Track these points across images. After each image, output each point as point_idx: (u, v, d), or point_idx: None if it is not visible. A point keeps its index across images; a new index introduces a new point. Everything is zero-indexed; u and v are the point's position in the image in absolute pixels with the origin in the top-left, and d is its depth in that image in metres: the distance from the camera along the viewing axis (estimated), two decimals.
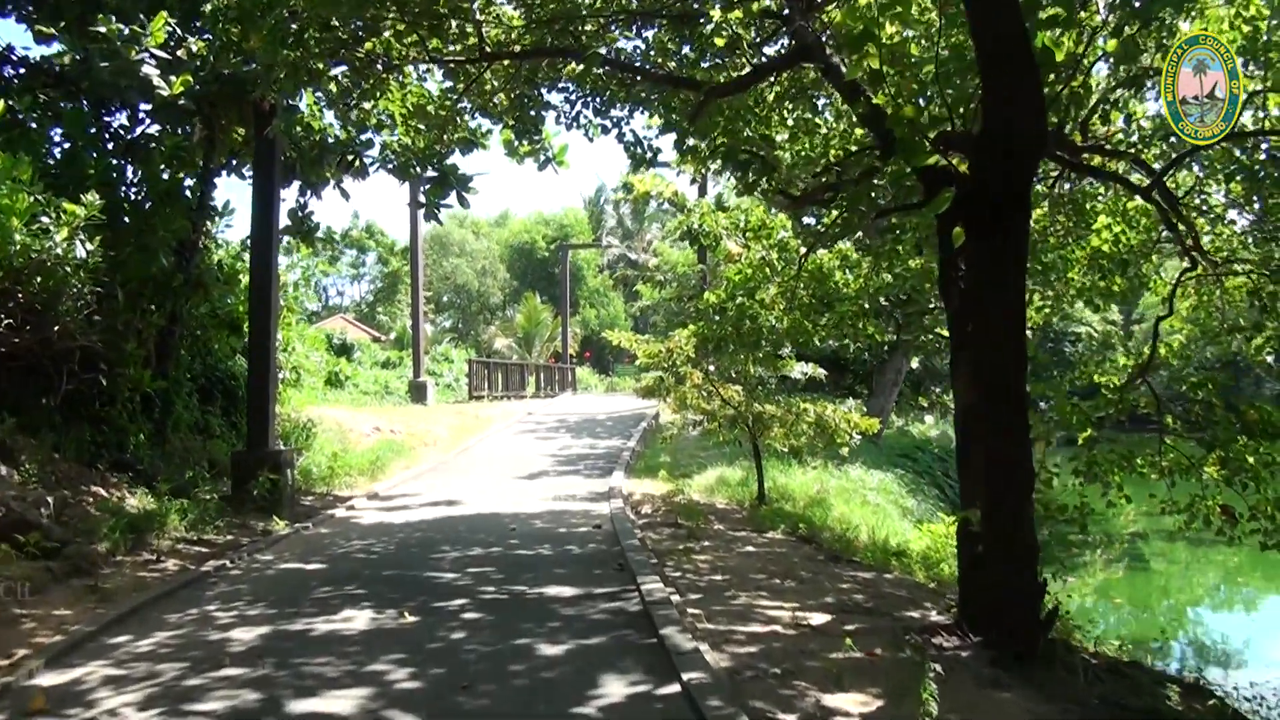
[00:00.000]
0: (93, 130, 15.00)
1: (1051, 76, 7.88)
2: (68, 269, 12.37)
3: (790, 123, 13.29)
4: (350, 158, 16.26)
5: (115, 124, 15.80)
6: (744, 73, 11.69)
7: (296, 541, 13.03)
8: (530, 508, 15.75)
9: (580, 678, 6.76)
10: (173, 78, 13.90)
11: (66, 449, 13.33)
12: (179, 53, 14.28)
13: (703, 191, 31.38)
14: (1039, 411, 10.97)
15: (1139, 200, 13.72)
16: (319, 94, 14.69)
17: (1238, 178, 11.98)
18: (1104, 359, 46.10)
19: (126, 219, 14.54)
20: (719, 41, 11.54)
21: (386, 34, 11.94)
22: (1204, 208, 13.15)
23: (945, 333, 26.02)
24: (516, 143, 15.43)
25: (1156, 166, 11.52)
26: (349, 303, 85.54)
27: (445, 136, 14.42)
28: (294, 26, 10.69)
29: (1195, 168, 12.74)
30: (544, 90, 13.83)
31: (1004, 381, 7.09)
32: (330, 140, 16.25)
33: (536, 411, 34.65)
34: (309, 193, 17.63)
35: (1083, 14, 9.48)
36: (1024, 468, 7.26)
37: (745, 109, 12.64)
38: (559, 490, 17.91)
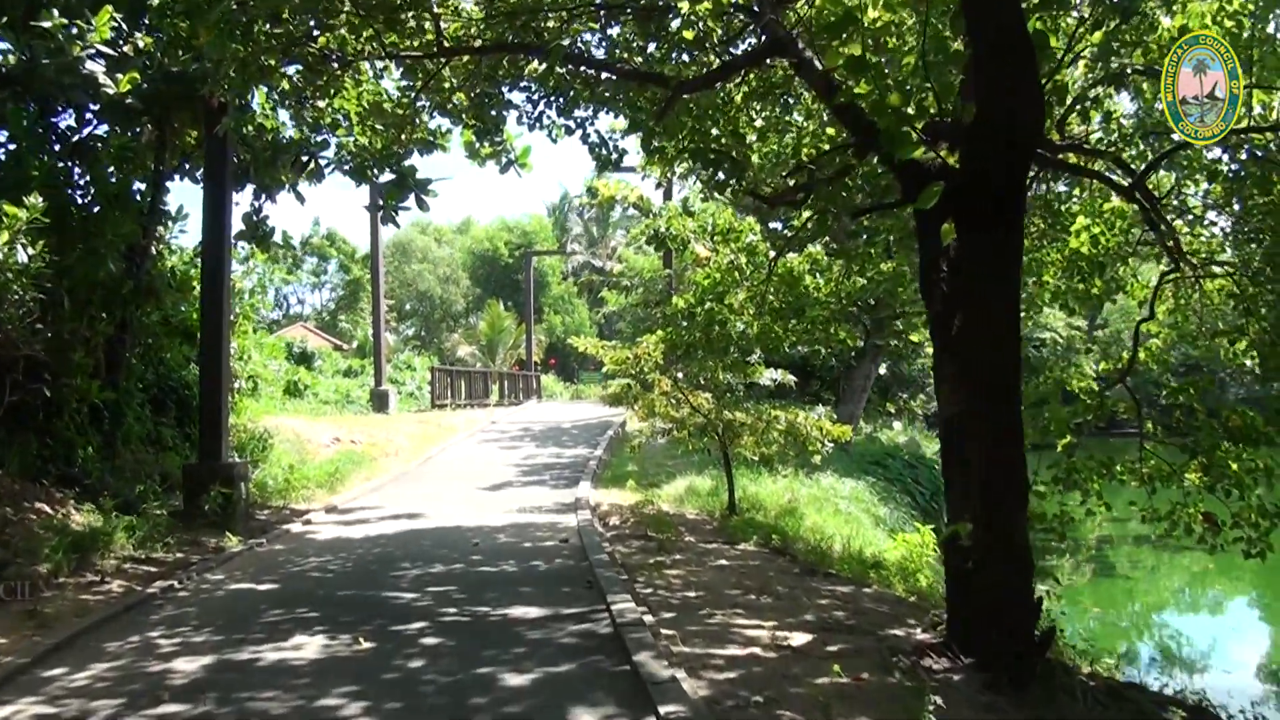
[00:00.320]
0: (39, 131, 14.39)
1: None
2: (9, 274, 11.78)
3: (759, 123, 12.89)
4: (305, 159, 15.71)
5: (63, 125, 15.22)
6: (714, 68, 11.27)
7: (249, 559, 12.46)
8: (494, 520, 15.24)
9: (548, 713, 6.27)
10: (119, 75, 13.33)
11: (10, 463, 12.74)
12: (125, 49, 13.71)
13: (668, 196, 30.97)
14: None
15: (1116, 201, 13.52)
16: (272, 93, 14.14)
17: (1219, 178, 11.75)
18: (1069, 364, 46.13)
19: (73, 222, 13.95)
20: (687, 35, 11.10)
21: (340, 29, 11.44)
22: (1182, 210, 12.90)
23: (915, 338, 25.85)
24: (478, 144, 15.04)
25: (1134, 167, 11.23)
26: (310, 311, 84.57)
27: (403, 137, 13.92)
28: (243, 19, 10.16)
29: (1173, 171, 12.50)
30: (505, 89, 13.37)
31: (1002, 382, 6.67)
32: (284, 140, 15.69)
33: (501, 420, 34.09)
34: (264, 196, 17.10)
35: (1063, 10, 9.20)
36: (1020, 475, 6.85)
37: (713, 108, 12.23)
38: (524, 502, 17.41)
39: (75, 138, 15.05)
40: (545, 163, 64.20)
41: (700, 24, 11.26)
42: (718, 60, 11.56)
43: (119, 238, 14.45)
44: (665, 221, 17.05)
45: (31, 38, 12.88)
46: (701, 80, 11.07)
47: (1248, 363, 14.35)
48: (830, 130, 12.86)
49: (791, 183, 11.87)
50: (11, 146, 14.25)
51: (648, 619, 8.48)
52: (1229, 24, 10.64)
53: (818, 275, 15.74)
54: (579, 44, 12.38)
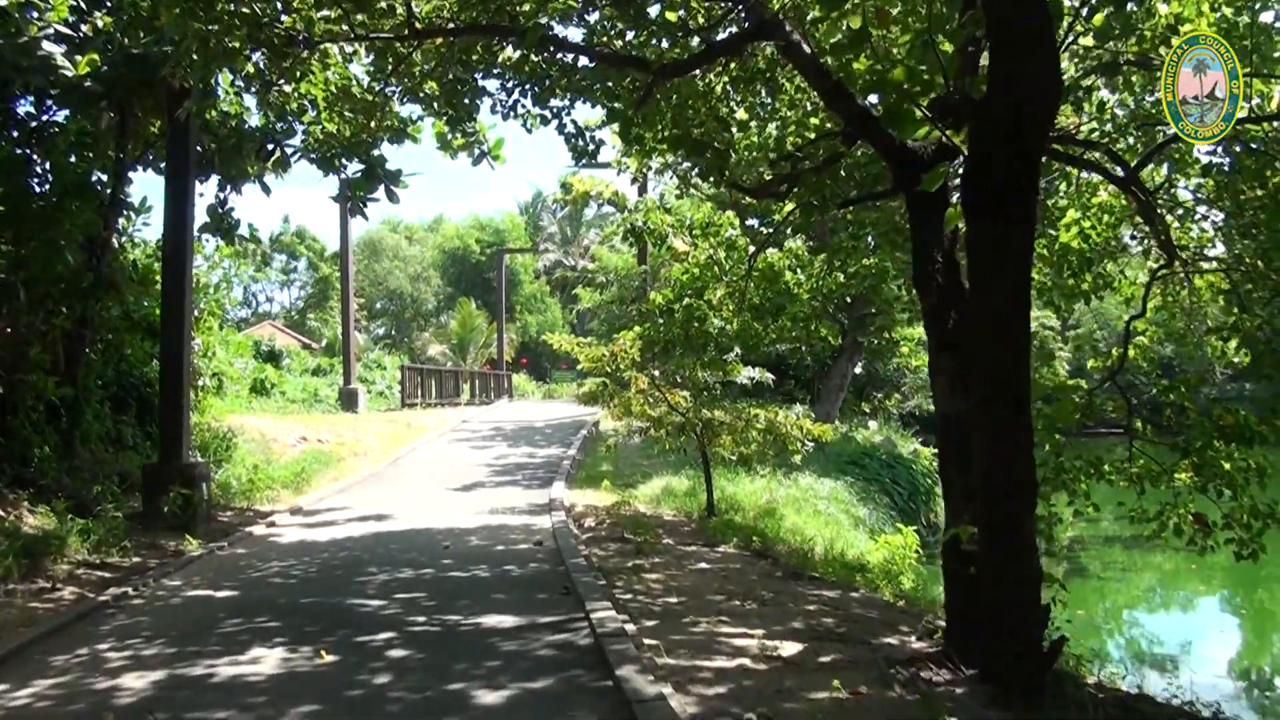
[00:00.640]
0: None
1: None
2: None
3: (741, 113, 12.47)
4: (271, 147, 15.15)
5: (20, 110, 14.63)
6: (697, 52, 10.82)
7: (209, 563, 11.93)
8: (466, 522, 14.74)
9: None
10: (78, 58, 12.80)
11: None
12: (84, 30, 13.15)
13: (643, 191, 30.47)
14: None
15: (1104, 195, 13.22)
16: (236, 77, 13.59)
17: (1214, 172, 11.46)
18: (1041, 364, 45.97)
19: (31, 212, 13.42)
20: (670, 17, 10.64)
21: (308, 9, 10.92)
22: (1172, 205, 12.62)
23: (893, 335, 25.51)
24: (450, 135, 14.55)
25: (1127, 159, 10.91)
26: (279, 309, 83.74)
27: (372, 124, 13.40)
28: None
29: (1164, 166, 12.24)
30: (479, 76, 12.89)
31: (1007, 378, 6.24)
32: (249, 128, 15.14)
33: (472, 419, 33.54)
34: (228, 187, 16.52)
35: None
36: (1028, 478, 6.43)
37: (694, 96, 11.81)
38: (496, 503, 16.91)
39: (33, 123, 14.55)
40: (518, 160, 63.82)
41: (683, 6, 10.82)
42: (701, 45, 11.11)
43: (78, 228, 14.01)
44: (643, 216, 16.61)
45: None
46: (684, 64, 10.62)
47: (1235, 360, 14.14)
48: (815, 120, 12.50)
49: (775, 174, 11.48)
50: None
51: (629, 628, 8.00)
52: (1227, 10, 10.38)
53: (798, 271, 15.35)
54: (556, 29, 11.92)
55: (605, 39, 11.86)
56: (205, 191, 16.20)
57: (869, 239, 14.45)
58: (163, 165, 15.43)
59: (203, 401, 20.35)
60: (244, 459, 18.89)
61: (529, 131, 13.26)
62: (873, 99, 9.03)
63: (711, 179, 11.59)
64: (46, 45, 12.59)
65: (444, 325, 70.18)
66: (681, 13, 10.90)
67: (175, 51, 10.44)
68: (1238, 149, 10.96)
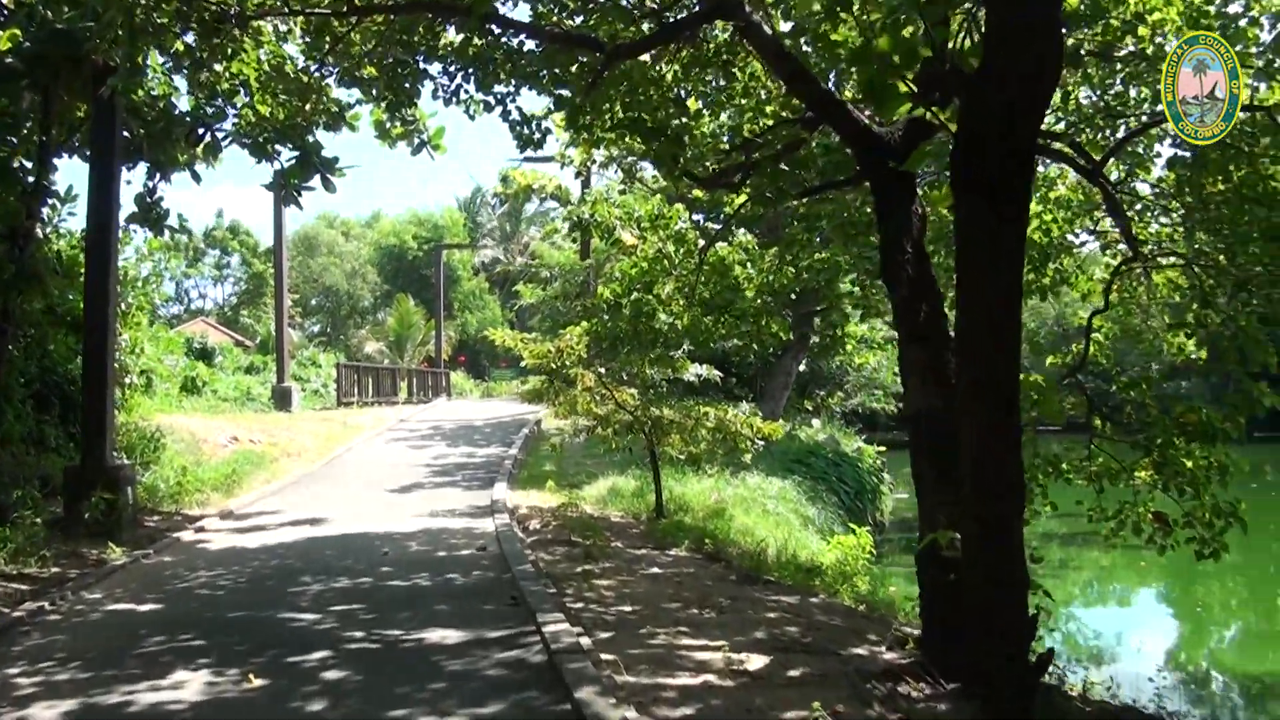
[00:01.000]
0: None
1: None
2: None
3: (692, 102, 11.99)
4: (201, 131, 14.39)
5: None
6: (652, 33, 10.32)
7: (133, 573, 11.22)
8: (405, 526, 14.12)
9: None
10: None
11: None
12: (5, 3, 12.36)
13: (587, 186, 29.92)
14: None
15: (1061, 190, 13.00)
16: (165, 57, 12.87)
17: (1178, 164, 11.23)
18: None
19: None
20: None
21: None
22: (1132, 199, 12.43)
23: (844, 332, 25.21)
24: (388, 123, 13.99)
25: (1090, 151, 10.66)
26: (212, 306, 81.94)
27: (307, 107, 12.75)
28: None
29: (1124, 161, 12.04)
30: (420, 59, 12.30)
31: (999, 378, 5.81)
32: (177, 112, 14.37)
33: (410, 418, 32.80)
34: (157, 175, 15.71)
35: None
36: (1018, 479, 6.01)
37: (645, 82, 11.32)
38: (436, 505, 16.30)
39: None
40: (459, 153, 63.03)
41: None
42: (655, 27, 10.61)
43: None
44: (589, 207, 16.09)
45: None
46: (638, 45, 10.12)
47: (1193, 356, 13.97)
48: (770, 108, 12.08)
49: (730, 163, 11.02)
50: None
51: (584, 642, 7.45)
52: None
53: (749, 265, 14.91)
54: (503, 8, 11.38)
55: (555, 20, 11.33)
56: (133, 179, 15.45)
57: (821, 232, 14.11)
58: (88, 153, 14.67)
59: (130, 400, 19.51)
60: (172, 460, 18.12)
61: (472, 118, 12.73)
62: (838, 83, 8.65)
63: (664, 169, 11.08)
64: None
65: (381, 322, 69.09)
66: None
67: (99, 26, 9.78)
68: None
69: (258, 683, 6.77)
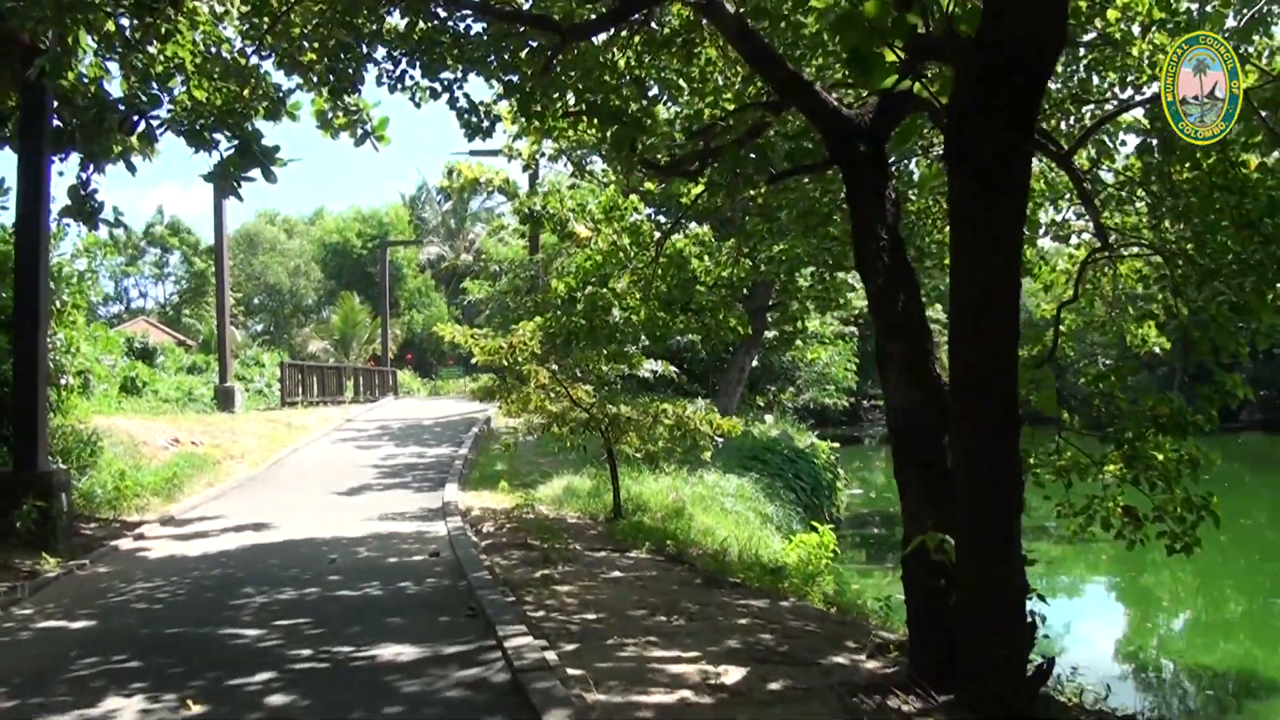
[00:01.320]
0: None
1: None
2: None
3: (650, 86, 11.58)
4: (135, 118, 13.69)
5: None
6: (609, 11, 9.86)
7: (67, 586, 10.59)
8: (353, 531, 13.56)
9: None
10: None
11: None
12: None
13: (535, 179, 29.44)
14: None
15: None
16: (95, 37, 12.20)
17: (1146, 153, 11.00)
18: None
19: None
20: None
21: None
22: (1098, 188, 12.21)
23: (804, 326, 24.88)
24: (330, 113, 13.46)
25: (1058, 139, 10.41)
26: (153, 305, 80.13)
27: (245, 92, 12.14)
28: None
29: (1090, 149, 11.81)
30: (363, 46, 11.77)
31: (996, 369, 5.40)
32: (111, 98, 13.66)
33: (356, 418, 32.10)
34: (91, 167, 14.96)
35: None
36: (1016, 477, 5.62)
37: (600, 67, 10.87)
38: (386, 507, 15.74)
39: None
40: (403, 147, 62.04)
41: None
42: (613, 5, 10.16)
43: None
44: (541, 200, 15.61)
45: None
46: (595, 24, 9.67)
47: (1157, 349, 13.80)
48: (728, 95, 11.69)
49: (689, 150, 10.61)
50: None
51: (550, 656, 6.96)
52: None
53: (706, 258, 14.51)
54: None
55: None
56: (66, 171, 14.71)
57: (780, 224, 13.74)
58: (18, 141, 13.95)
59: (66, 402, 18.68)
60: (110, 464, 17.36)
61: (418, 106, 12.24)
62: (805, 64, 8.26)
63: (620, 155, 10.63)
64: None
65: (325, 320, 67.99)
66: None
67: (26, 3, 9.17)
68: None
69: (196, 710, 6.19)
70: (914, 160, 13.54)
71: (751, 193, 12.49)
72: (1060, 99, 11.04)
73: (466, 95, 11.79)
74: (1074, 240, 13.95)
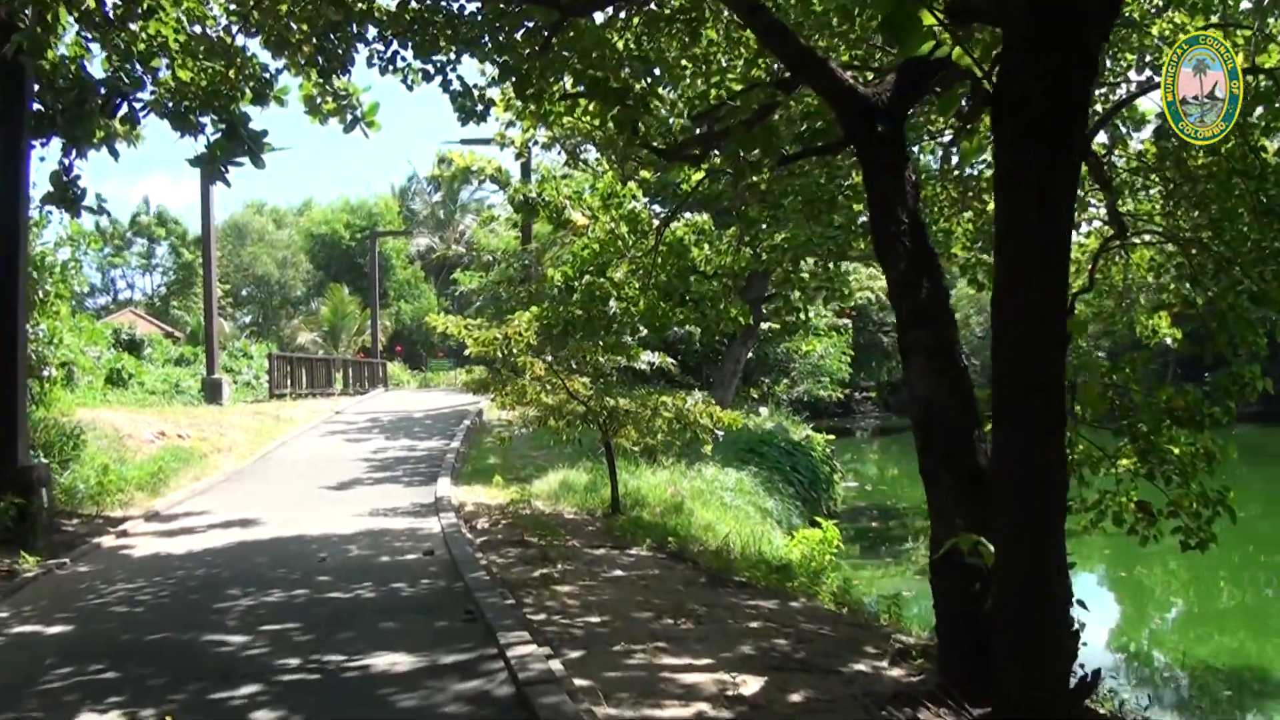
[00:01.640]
0: None
1: None
2: None
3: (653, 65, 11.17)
4: (118, 100, 13.24)
5: None
6: None
7: (45, 587, 10.14)
8: (343, 527, 13.12)
9: None
10: None
11: None
12: None
13: (526, 168, 28.91)
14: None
15: None
16: (75, 14, 11.78)
17: (1165, 138, 10.70)
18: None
19: None
20: None
21: None
22: (1110, 176, 11.89)
23: (806, 316, 24.50)
24: (319, 99, 13.08)
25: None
26: (141, 296, 79.42)
27: (231, 73, 11.72)
28: None
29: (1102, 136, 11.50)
30: (353, 27, 11.37)
31: (1045, 357, 5.00)
32: (92, 79, 13.21)
33: (346, 410, 31.65)
34: (73, 152, 14.51)
35: None
36: (1062, 475, 5.23)
37: (600, 46, 10.46)
38: (377, 503, 15.31)
39: None
40: (393, 136, 61.68)
41: None
42: None
43: None
44: (537, 186, 15.17)
45: None
46: (596, 0, 9.26)
47: (1166, 338, 13.47)
48: (732, 76, 11.31)
49: (694, 133, 10.21)
50: None
51: (555, 666, 6.53)
52: None
53: (706, 246, 14.11)
54: None
55: None
56: (47, 157, 14.26)
57: (784, 210, 13.36)
58: None
59: (49, 394, 18.26)
60: (94, 458, 16.90)
61: (410, 88, 11.84)
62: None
63: (624, 139, 10.22)
64: None
65: (314, 312, 67.39)
66: None
67: None
68: None
69: None
70: (917, 147, 13.22)
71: (755, 178, 12.14)
72: None
73: (460, 78, 11.42)
74: (1084, 229, 13.60)
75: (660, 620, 8.18)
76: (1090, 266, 11.41)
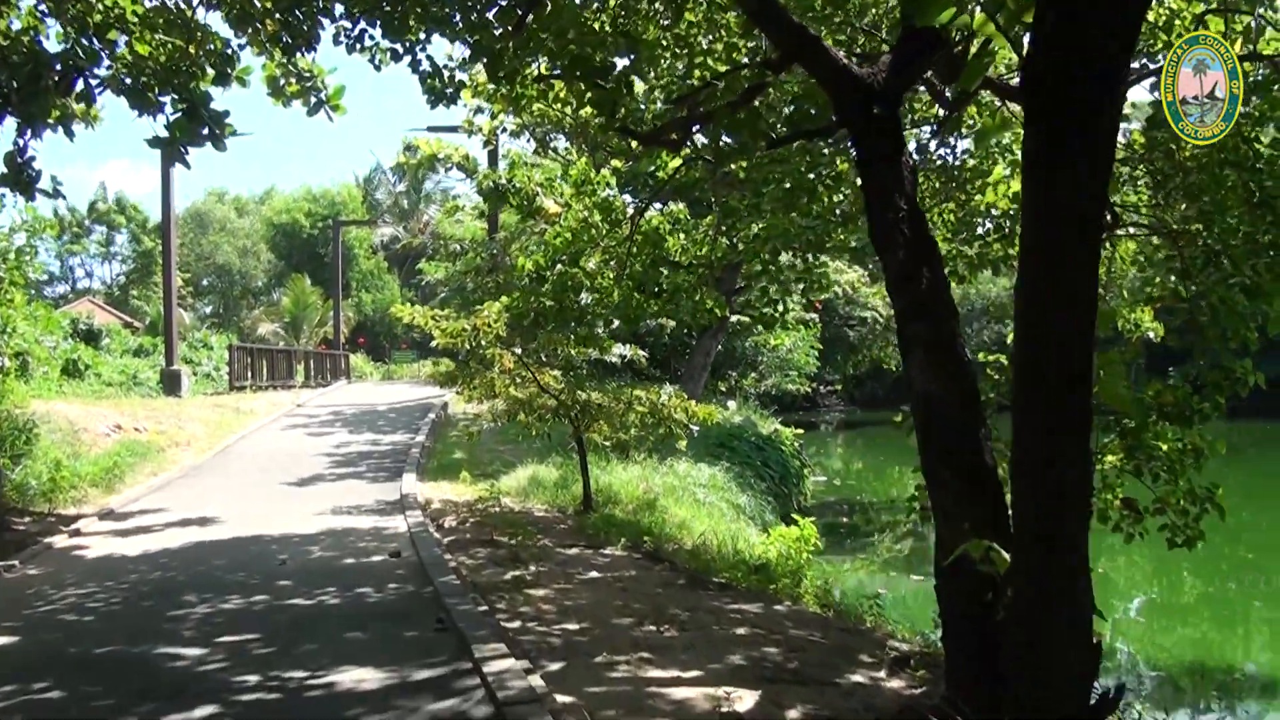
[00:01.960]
0: None
1: None
2: None
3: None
4: (74, 76, 12.63)
5: None
6: None
7: None
8: (305, 526, 12.61)
9: None
10: None
11: None
12: None
13: (494, 156, 28.31)
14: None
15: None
16: None
17: (1156, 129, 10.38)
18: (887, 343, 45.68)
19: None
20: None
21: None
22: None
23: (784, 308, 24.12)
24: (282, 80, 12.54)
25: None
26: (99, 285, 77.99)
27: (192, 49, 11.17)
28: None
29: None
30: (319, 1, 10.88)
31: (1071, 347, 4.62)
32: (46, 53, 12.61)
33: (308, 403, 31.00)
34: (28, 132, 13.86)
35: None
36: (1087, 480, 4.86)
37: (577, 25, 10.02)
38: (340, 500, 14.80)
39: None
40: (358, 124, 60.92)
41: None
42: None
43: None
44: (507, 172, 14.71)
45: None
46: None
47: (1149, 333, 13.21)
48: (713, 58, 10.90)
49: (674, 117, 9.79)
50: None
51: (535, 682, 6.08)
52: None
53: (682, 236, 13.71)
54: None
55: None
56: (0, 137, 13.63)
57: (763, 198, 12.98)
58: None
59: (2, 385, 17.65)
60: (47, 453, 16.25)
61: (378, 68, 11.34)
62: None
63: (603, 122, 9.79)
64: None
65: (275, 303, 66.34)
66: None
67: None
68: None
69: None
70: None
71: (733, 166, 11.79)
72: None
73: (430, 58, 10.94)
74: None
75: (642, 627, 7.78)
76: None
